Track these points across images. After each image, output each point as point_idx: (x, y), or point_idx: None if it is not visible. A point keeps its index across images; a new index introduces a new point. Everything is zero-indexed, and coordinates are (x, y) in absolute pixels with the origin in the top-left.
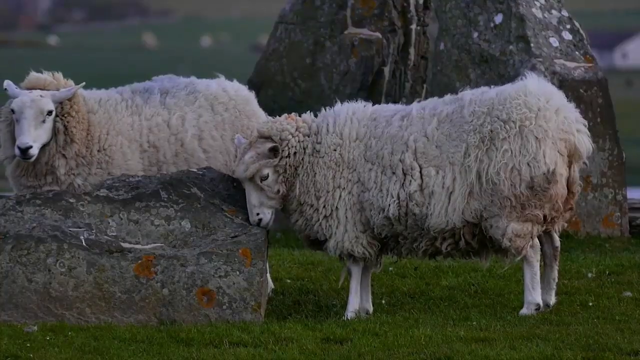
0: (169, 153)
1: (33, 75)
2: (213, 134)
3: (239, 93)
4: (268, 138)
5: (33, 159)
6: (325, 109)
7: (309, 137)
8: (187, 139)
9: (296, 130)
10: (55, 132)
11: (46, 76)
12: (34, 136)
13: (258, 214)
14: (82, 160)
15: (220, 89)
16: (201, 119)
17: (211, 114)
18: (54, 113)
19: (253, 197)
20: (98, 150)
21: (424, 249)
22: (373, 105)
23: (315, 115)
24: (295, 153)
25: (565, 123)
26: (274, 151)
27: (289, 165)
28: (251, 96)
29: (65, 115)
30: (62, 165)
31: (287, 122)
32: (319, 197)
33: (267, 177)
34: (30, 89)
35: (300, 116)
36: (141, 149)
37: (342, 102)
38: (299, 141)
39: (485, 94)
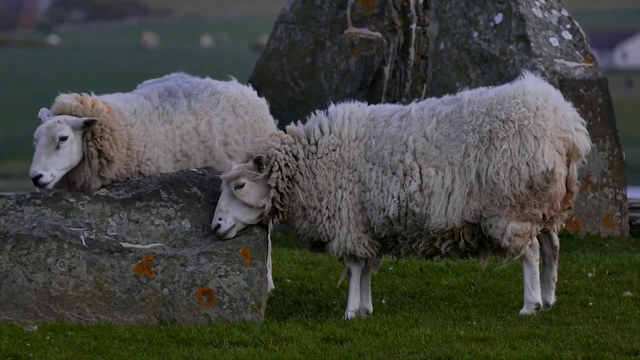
0: (200, 161)
1: (60, 100)
2: (236, 138)
3: (254, 97)
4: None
5: (49, 185)
6: (314, 113)
7: (295, 144)
8: (215, 145)
9: (281, 144)
10: (87, 156)
11: (72, 101)
12: (44, 164)
13: (220, 219)
14: (119, 179)
15: (239, 91)
16: (225, 123)
17: (234, 117)
18: (69, 139)
19: (223, 202)
20: (136, 165)
21: (423, 249)
22: (369, 105)
23: (304, 122)
24: (286, 164)
25: (564, 122)
26: (258, 163)
27: (281, 177)
28: (264, 102)
29: (98, 139)
30: (97, 185)
31: (271, 140)
32: (321, 199)
33: (242, 186)
34: (59, 114)
35: (285, 130)
36: (174, 159)
37: (341, 102)
38: (286, 152)
39: (483, 94)
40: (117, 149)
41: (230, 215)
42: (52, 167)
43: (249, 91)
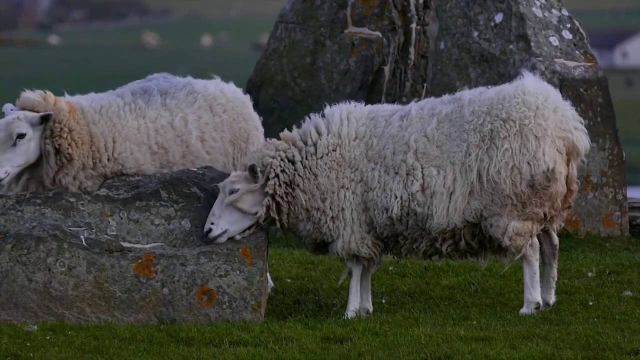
0: (178, 154)
1: (24, 95)
2: (213, 135)
3: (236, 95)
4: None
5: (3, 182)
6: (309, 117)
7: (290, 148)
8: (192, 140)
9: (275, 150)
10: (44, 154)
11: (36, 97)
12: (0, 160)
13: (212, 224)
14: (90, 172)
15: (218, 90)
16: (201, 120)
17: (210, 115)
18: (27, 136)
19: (216, 208)
20: (108, 160)
21: (424, 249)
22: (367, 105)
23: (299, 126)
24: (282, 170)
25: (563, 121)
26: (252, 171)
27: (278, 184)
28: (247, 99)
29: (57, 138)
30: (70, 183)
31: (266, 147)
32: (324, 199)
33: (236, 191)
34: (22, 109)
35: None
36: (151, 151)
37: (340, 102)
38: (281, 159)
39: (484, 94)
40: (75, 146)
41: (222, 221)
42: (7, 163)
43: (230, 89)
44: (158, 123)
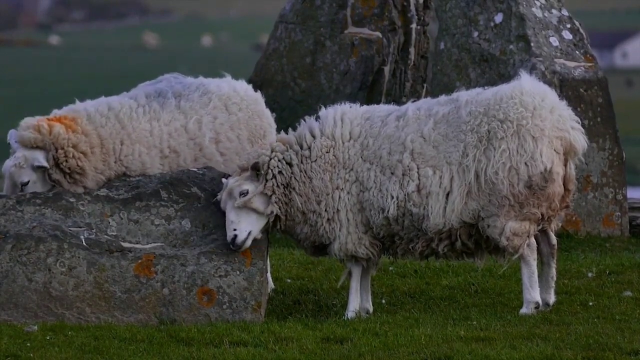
0: (189, 158)
1: (20, 135)
2: (229, 135)
3: (248, 93)
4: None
5: None
6: (304, 119)
7: (287, 151)
8: (205, 143)
9: (271, 151)
10: (55, 182)
11: (30, 134)
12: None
13: (235, 230)
14: (100, 177)
15: (232, 88)
16: (217, 121)
17: (226, 115)
18: (31, 181)
19: (232, 214)
20: (114, 162)
21: (420, 249)
22: (364, 106)
23: (294, 129)
24: (280, 172)
25: (560, 121)
26: (255, 169)
27: (277, 185)
28: (259, 96)
29: (63, 163)
30: (80, 189)
31: (261, 148)
32: (319, 202)
33: (246, 192)
34: (23, 145)
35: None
36: (162, 155)
37: (340, 102)
38: (278, 160)
39: (481, 95)
40: (85, 158)
41: (243, 224)
42: None
43: (243, 87)
44: (172, 126)
